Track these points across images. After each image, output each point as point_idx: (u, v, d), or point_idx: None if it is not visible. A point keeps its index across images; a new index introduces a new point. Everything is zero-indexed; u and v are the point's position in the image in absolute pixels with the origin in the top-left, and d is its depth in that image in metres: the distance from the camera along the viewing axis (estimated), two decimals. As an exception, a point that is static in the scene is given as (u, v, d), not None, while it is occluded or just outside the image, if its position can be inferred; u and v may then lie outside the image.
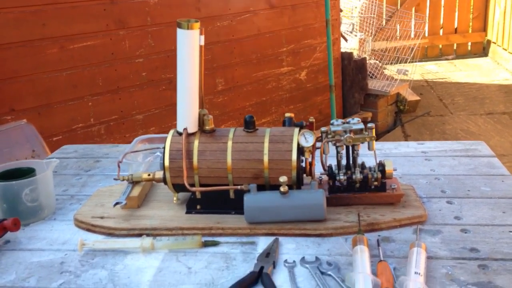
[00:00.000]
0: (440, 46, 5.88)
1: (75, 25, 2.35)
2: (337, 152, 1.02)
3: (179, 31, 0.97)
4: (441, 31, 5.83)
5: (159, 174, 1.05)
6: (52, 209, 1.09)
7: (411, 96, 4.27)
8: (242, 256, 0.89)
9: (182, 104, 1.01)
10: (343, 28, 4.28)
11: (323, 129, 1.01)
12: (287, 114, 1.07)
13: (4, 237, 0.98)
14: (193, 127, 1.02)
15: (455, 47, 5.91)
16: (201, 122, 1.03)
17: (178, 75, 1.00)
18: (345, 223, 0.96)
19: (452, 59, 5.83)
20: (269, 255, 0.87)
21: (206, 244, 0.93)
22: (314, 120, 1.05)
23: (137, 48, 2.60)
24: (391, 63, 4.30)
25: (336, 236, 0.94)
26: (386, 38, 4.48)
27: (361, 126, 1.00)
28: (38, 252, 0.94)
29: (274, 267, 0.85)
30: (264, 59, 3.30)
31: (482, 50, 5.92)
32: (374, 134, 1.00)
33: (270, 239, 0.93)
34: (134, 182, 1.08)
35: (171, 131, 1.03)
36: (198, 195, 1.02)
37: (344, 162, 1.03)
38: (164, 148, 1.01)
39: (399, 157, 1.29)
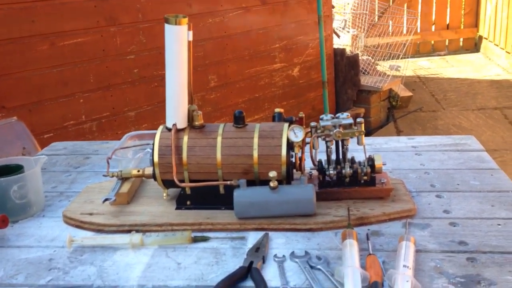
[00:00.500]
0: (432, 42, 5.90)
1: (65, 22, 2.34)
2: (327, 147, 1.02)
3: (167, 27, 0.97)
4: (433, 27, 5.84)
5: (149, 170, 1.05)
6: (41, 206, 1.08)
7: (404, 92, 4.28)
8: (232, 251, 0.89)
9: (171, 99, 1.01)
10: (336, 24, 4.28)
11: (312, 124, 1.01)
12: (277, 109, 1.07)
13: (-8, 234, 0.97)
14: (182, 123, 1.02)
15: (447, 43, 5.93)
16: (191, 118, 1.03)
17: (167, 70, 1.00)
18: (335, 218, 0.96)
19: (444, 55, 5.86)
20: (259, 250, 0.87)
21: (195, 240, 0.93)
22: (303, 115, 1.05)
23: (128, 44, 2.59)
24: (384, 59, 4.31)
25: (326, 231, 0.94)
26: (379, 34, 4.48)
27: (350, 121, 1.00)
28: (26, 249, 0.94)
29: (263, 262, 0.85)
30: (257, 56, 3.30)
31: (474, 46, 5.95)
32: (363, 129, 1.00)
33: (260, 234, 0.93)
34: (123, 179, 1.08)
35: (160, 127, 1.03)
36: (188, 191, 1.02)
37: (333, 157, 1.03)
38: (153, 144, 1.01)
39: (389, 151, 1.30)
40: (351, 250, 0.83)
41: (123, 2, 2.54)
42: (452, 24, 5.86)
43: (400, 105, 4.21)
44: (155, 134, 1.03)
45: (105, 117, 2.55)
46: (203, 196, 1.02)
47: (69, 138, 2.36)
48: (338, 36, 4.26)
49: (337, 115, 1.02)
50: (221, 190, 1.01)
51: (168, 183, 1.02)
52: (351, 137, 1.00)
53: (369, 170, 1.00)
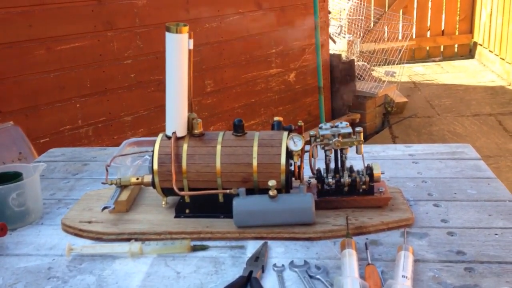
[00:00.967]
0: (427, 48, 5.94)
1: (62, 26, 2.33)
2: (326, 156, 1.02)
3: (168, 35, 0.97)
4: (428, 33, 5.88)
5: (148, 178, 1.05)
6: (39, 213, 1.08)
7: (399, 98, 4.30)
8: (231, 260, 0.89)
9: (171, 108, 1.01)
10: (332, 30, 4.29)
11: (311, 133, 1.01)
12: (276, 118, 1.07)
13: (-10, 242, 0.97)
14: (182, 131, 1.02)
15: (442, 49, 5.97)
16: (190, 126, 1.03)
17: (167, 79, 1.00)
18: (333, 227, 0.96)
19: (439, 61, 5.89)
20: (258, 259, 0.88)
21: (195, 249, 0.93)
22: (302, 124, 1.06)
23: (125, 49, 2.59)
24: (379, 65, 4.33)
25: (325, 240, 0.94)
26: (374, 40, 4.50)
27: (349, 130, 1.00)
28: (25, 257, 0.93)
29: (263, 271, 0.86)
30: (253, 61, 3.31)
31: (468, 52, 5.99)
32: (362, 138, 1.00)
33: (259, 243, 0.93)
34: (122, 186, 1.08)
35: (160, 135, 1.03)
36: (187, 199, 1.02)
37: (332, 165, 1.04)
38: (153, 152, 1.01)
39: (387, 160, 1.30)
40: (350, 260, 0.83)
41: (120, 6, 2.54)
42: (447, 30, 5.89)
43: (395, 111, 4.23)
44: (153, 141, 1.03)
45: (102, 122, 2.54)
46: (202, 204, 1.02)
47: (65, 143, 2.35)
48: (334, 42, 4.28)
49: (336, 124, 1.02)
50: (221, 199, 1.01)
51: (167, 191, 1.02)
52: (350, 146, 1.00)
53: (367, 179, 1.01)
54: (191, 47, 1.00)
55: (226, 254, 0.91)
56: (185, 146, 1.01)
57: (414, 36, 5.57)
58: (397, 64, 4.19)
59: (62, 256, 0.93)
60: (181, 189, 1.00)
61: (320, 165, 1.05)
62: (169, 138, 1.01)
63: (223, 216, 1.00)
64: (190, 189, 1.01)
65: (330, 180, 1.02)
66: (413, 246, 0.89)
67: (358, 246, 0.90)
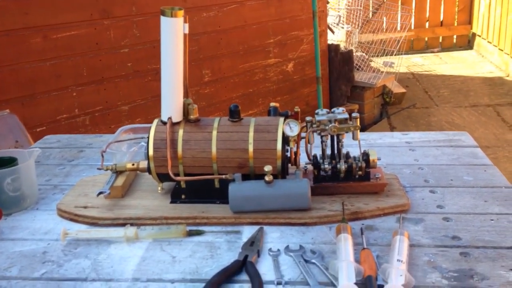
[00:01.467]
0: (426, 38, 5.91)
1: (58, 14, 2.32)
2: (322, 142, 1.02)
3: (163, 19, 0.97)
4: (427, 24, 5.85)
5: (143, 164, 1.05)
6: (34, 198, 1.08)
7: (397, 89, 4.30)
8: (227, 245, 0.89)
9: (166, 93, 1.01)
10: (330, 20, 4.27)
11: (308, 118, 1.01)
12: (272, 104, 1.07)
13: (-15, 227, 0.97)
14: (177, 116, 1.01)
15: (440, 40, 5.95)
16: (186, 111, 1.02)
17: (162, 63, 0.99)
18: (329, 212, 0.96)
19: (438, 51, 5.87)
20: (254, 244, 0.88)
21: (190, 233, 0.93)
22: (299, 109, 1.05)
23: (122, 38, 2.57)
24: (378, 56, 4.32)
25: (321, 225, 0.94)
26: (373, 31, 4.49)
27: (346, 115, 1.00)
28: (20, 241, 0.93)
29: (258, 255, 0.86)
30: (251, 51, 3.29)
31: (467, 43, 5.97)
32: (358, 124, 1.00)
33: (255, 228, 0.93)
34: (118, 172, 1.08)
35: (155, 120, 1.03)
36: (183, 185, 1.02)
37: (328, 151, 1.03)
38: (148, 137, 1.00)
39: (384, 147, 1.30)
40: (346, 244, 0.83)
41: (117, -5, 2.53)
42: (445, 21, 5.87)
43: (394, 101, 4.23)
44: (149, 127, 1.02)
45: (98, 111, 2.54)
46: (198, 190, 1.02)
47: (61, 132, 2.34)
48: (333, 32, 4.26)
49: (332, 109, 1.02)
50: (216, 184, 1.01)
51: (163, 177, 1.02)
52: (347, 132, 1.00)
53: (364, 165, 1.01)
54: (187, 31, 0.99)
55: (221, 239, 0.91)
56: (180, 132, 1.00)
57: (412, 27, 5.54)
58: (395, 54, 4.18)
59: (57, 241, 0.92)
60: (177, 175, 1.00)
61: (317, 151, 1.05)
62: (164, 123, 1.01)
63: (219, 201, 1.00)
64: (185, 175, 1.00)
65: (326, 166, 1.01)
66: (409, 231, 0.89)
67: (353, 231, 0.89)
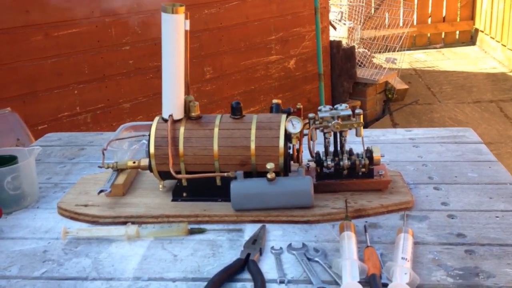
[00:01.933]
0: (429, 34, 5.89)
1: (60, 12, 2.31)
2: (325, 139, 1.01)
3: (164, 15, 0.96)
4: (429, 20, 5.83)
5: (145, 162, 1.04)
6: (35, 197, 1.07)
7: (400, 85, 4.28)
8: (229, 243, 0.88)
9: (167, 90, 1.00)
10: (332, 17, 4.26)
11: (310, 115, 1.00)
12: (275, 101, 1.06)
13: (-14, 226, 0.96)
14: (178, 114, 1.00)
15: (443, 36, 5.92)
16: (187, 109, 1.01)
17: (163, 60, 0.98)
18: (332, 210, 0.95)
19: (440, 47, 5.85)
20: (256, 242, 0.87)
21: (192, 232, 0.92)
22: (301, 106, 1.04)
23: (123, 35, 2.56)
24: (380, 52, 4.30)
25: (324, 223, 0.93)
26: (375, 27, 4.47)
27: (349, 112, 0.99)
28: (20, 240, 0.92)
29: (260, 254, 0.85)
30: (253, 47, 3.28)
31: (470, 38, 5.94)
32: (361, 120, 0.99)
33: (257, 226, 0.92)
34: (119, 170, 1.07)
35: (156, 118, 1.02)
36: (184, 183, 1.01)
37: (331, 148, 1.02)
38: (149, 135, 0.99)
39: (387, 143, 1.29)
40: (349, 242, 0.82)
41: (118, -8, 2.51)
42: (448, 17, 5.84)
43: (396, 98, 4.21)
44: (150, 125, 1.01)
45: (100, 109, 2.53)
46: (200, 187, 1.01)
47: (63, 130, 2.33)
48: (335, 28, 4.24)
49: (335, 106, 1.01)
50: (218, 182, 1.00)
51: (164, 175, 1.01)
52: (350, 129, 0.99)
53: (367, 162, 1.00)
54: (188, 28, 0.98)
55: (223, 237, 0.90)
56: (182, 129, 0.99)
57: (415, 23, 5.52)
58: (398, 50, 4.16)
59: (58, 240, 0.92)
60: (178, 172, 0.99)
61: (319, 148, 1.03)
62: (165, 121, 1.00)
63: (220, 199, 0.99)
64: (187, 173, 0.99)
65: (329, 163, 1.00)
66: (413, 229, 0.88)
67: (357, 229, 0.88)
